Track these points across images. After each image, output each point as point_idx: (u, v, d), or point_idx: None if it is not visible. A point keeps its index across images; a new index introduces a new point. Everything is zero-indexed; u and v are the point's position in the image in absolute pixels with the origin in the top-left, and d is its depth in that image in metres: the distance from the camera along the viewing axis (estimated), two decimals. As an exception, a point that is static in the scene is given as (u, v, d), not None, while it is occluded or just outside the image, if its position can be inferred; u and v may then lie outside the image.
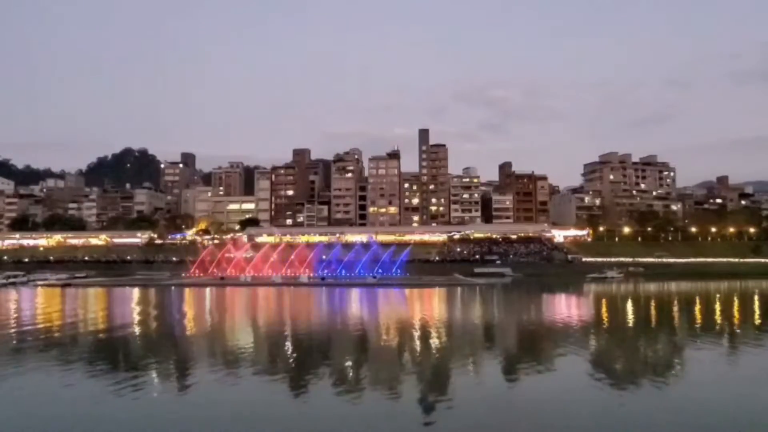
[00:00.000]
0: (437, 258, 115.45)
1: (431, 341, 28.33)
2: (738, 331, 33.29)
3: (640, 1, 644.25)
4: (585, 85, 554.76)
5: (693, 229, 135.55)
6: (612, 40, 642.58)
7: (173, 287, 72.40)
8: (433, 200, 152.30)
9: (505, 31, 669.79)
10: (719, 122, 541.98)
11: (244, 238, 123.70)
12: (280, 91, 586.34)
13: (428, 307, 48.27)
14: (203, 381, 19.38)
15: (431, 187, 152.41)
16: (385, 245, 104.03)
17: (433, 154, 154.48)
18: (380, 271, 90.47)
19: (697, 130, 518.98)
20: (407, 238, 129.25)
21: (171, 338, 30.81)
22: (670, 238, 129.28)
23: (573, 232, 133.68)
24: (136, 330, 33.51)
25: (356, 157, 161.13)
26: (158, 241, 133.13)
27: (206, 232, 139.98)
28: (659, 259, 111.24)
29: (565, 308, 48.27)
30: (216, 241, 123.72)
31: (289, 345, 28.14)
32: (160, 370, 21.63)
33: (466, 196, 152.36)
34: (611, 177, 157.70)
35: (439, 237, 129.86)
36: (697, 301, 55.39)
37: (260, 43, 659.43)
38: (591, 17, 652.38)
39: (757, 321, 38.62)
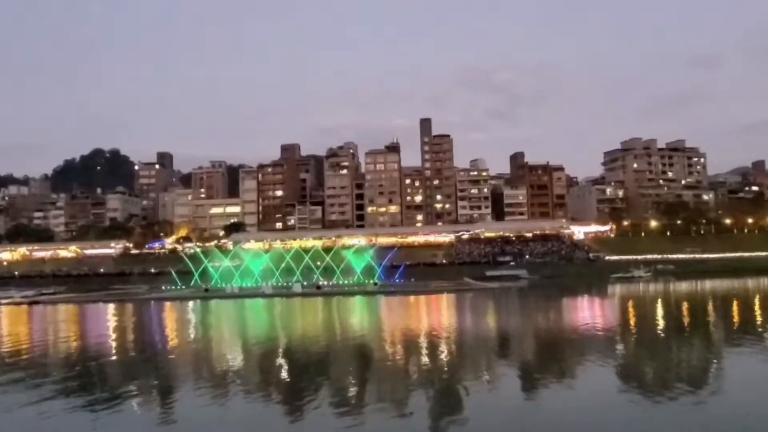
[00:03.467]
0: (444, 261, 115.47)
1: (438, 357, 28.23)
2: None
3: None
4: (602, 64, 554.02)
5: (727, 221, 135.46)
6: (630, 14, 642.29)
7: (152, 301, 72.26)
8: (438, 197, 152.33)
9: (512, 8, 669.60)
10: (753, 102, 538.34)
11: (230, 245, 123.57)
12: (265, 80, 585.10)
13: (436, 315, 48.16)
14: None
15: (435, 182, 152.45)
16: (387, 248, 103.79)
17: (437, 145, 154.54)
18: None
19: (728, 111, 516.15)
20: (410, 239, 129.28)
21: (152, 361, 30.67)
22: (702, 232, 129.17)
23: (594, 228, 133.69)
24: (113, 352, 33.40)
25: (351, 151, 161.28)
26: (134, 251, 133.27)
27: (187, 239, 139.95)
28: (691, 255, 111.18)
29: (589, 313, 48.17)
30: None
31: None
32: (141, 396, 21.49)
33: (474, 191, 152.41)
34: (635, 165, 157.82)
35: (445, 237, 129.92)
36: (736, 301, 55.16)
37: (242, 25, 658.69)
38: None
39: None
